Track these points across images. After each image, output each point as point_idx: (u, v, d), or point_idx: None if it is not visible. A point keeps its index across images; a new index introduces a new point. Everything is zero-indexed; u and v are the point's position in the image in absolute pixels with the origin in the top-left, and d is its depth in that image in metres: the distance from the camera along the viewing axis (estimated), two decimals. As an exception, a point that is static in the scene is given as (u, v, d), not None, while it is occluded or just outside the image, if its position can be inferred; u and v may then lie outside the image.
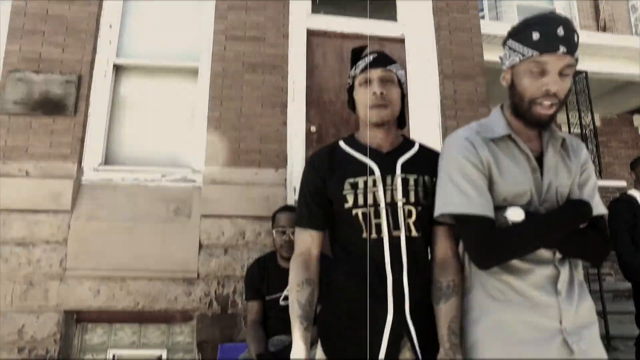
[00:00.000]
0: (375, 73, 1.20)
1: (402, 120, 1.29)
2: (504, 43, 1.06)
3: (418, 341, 1.06)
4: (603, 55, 5.27)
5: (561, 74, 0.96)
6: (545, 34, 0.95)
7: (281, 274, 2.19)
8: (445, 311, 1.05)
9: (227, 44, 3.07)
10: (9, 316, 2.58)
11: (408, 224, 1.12)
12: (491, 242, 0.97)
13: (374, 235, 1.12)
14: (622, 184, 5.76)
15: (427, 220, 1.14)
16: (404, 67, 3.54)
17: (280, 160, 3.01)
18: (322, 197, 1.19)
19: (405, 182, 1.15)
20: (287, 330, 2.01)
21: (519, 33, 1.00)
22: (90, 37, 2.97)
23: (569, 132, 5.75)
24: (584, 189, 1.05)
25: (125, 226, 2.75)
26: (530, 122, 1.01)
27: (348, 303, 1.12)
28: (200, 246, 2.80)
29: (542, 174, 1.03)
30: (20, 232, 2.67)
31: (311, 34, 3.48)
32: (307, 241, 1.19)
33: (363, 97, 1.22)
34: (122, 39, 3.11)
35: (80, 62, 2.92)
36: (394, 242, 1.11)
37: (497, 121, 1.09)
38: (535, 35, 0.96)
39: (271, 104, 3.06)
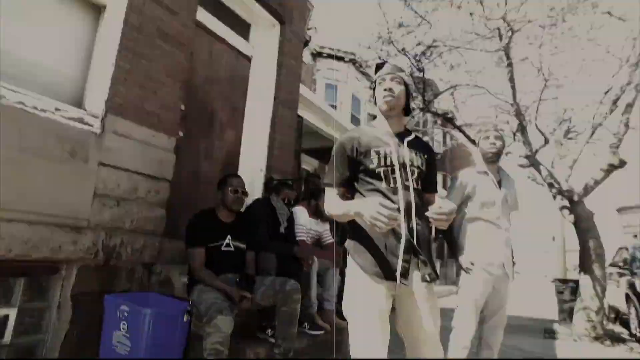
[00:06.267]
0: (387, 76, 1.79)
1: (407, 110, 1.84)
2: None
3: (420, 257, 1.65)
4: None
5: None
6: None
7: (222, 225, 2.78)
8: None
9: (147, 0, 3.06)
10: None
11: (413, 179, 1.71)
12: None
13: (391, 184, 1.67)
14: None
15: (422, 181, 1.75)
16: (246, 83, 4.50)
17: (173, 130, 3.27)
18: (352, 163, 1.72)
19: (410, 152, 1.74)
20: (231, 270, 2.69)
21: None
22: None
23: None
24: None
25: (8, 156, 2.27)
26: None
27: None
28: (95, 194, 2.68)
29: None
30: None
31: (197, 24, 3.83)
32: (337, 191, 1.74)
33: (379, 91, 1.79)
34: None
35: None
36: (405, 190, 1.67)
37: None
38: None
39: (174, 77, 3.28)
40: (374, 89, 1.88)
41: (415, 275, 1.66)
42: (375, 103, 1.87)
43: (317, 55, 11.42)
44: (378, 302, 1.61)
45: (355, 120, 12.48)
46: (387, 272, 1.61)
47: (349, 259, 1.73)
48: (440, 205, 1.56)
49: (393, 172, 1.70)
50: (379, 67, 1.90)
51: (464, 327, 2.54)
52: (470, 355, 2.56)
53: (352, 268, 1.69)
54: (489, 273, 2.55)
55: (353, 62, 12.89)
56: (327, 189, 1.77)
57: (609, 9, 5.58)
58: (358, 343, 1.60)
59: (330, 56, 12.83)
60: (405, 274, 1.61)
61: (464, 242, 2.66)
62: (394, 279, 1.60)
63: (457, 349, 2.51)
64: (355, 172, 1.75)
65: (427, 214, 1.58)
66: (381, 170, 1.69)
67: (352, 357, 1.61)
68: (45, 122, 2.48)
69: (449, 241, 2.70)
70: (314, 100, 8.08)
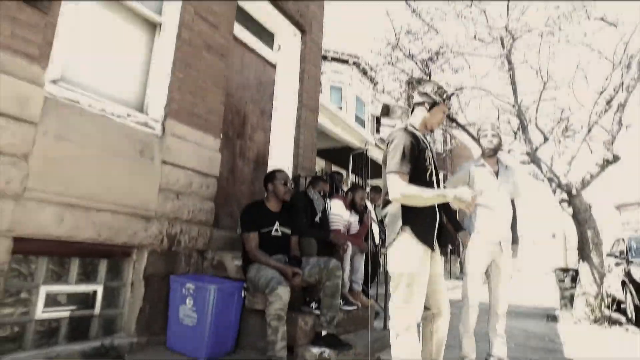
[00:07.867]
0: (447, 110, 2.42)
1: None
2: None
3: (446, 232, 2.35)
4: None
5: None
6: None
7: (271, 214, 3.18)
8: None
9: (195, 17, 3.47)
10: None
11: (438, 174, 2.33)
12: None
13: (433, 178, 2.26)
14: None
15: None
16: (272, 88, 4.91)
17: (218, 131, 3.68)
18: (414, 158, 2.17)
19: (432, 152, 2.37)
20: (280, 252, 3.08)
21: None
22: (74, -61, 2.64)
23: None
24: None
25: (97, 155, 2.68)
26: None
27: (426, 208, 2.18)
28: (160, 189, 3.07)
29: None
30: (-29, 132, 2.10)
31: (234, 39, 4.24)
32: (406, 179, 2.12)
33: (440, 117, 2.37)
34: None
35: (61, -39, 2.56)
36: (437, 182, 2.30)
37: None
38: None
39: (216, 84, 3.69)
40: (433, 104, 2.33)
41: (436, 245, 2.26)
42: (429, 109, 2.34)
43: (322, 58, 11.85)
44: (429, 263, 2.18)
45: (359, 121, 12.88)
46: (430, 243, 2.18)
47: (407, 231, 2.13)
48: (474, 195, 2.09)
49: (432, 168, 2.27)
50: (449, 96, 2.45)
51: (470, 291, 3.08)
52: (482, 319, 3.11)
53: (409, 239, 2.13)
54: (485, 248, 3.09)
55: (357, 65, 13.31)
56: (396, 176, 2.11)
57: (602, 15, 6.03)
58: (414, 289, 2.11)
59: (335, 59, 13.24)
60: (435, 244, 2.23)
61: (465, 222, 3.23)
62: (432, 247, 2.19)
63: (467, 309, 3.08)
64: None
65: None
66: (428, 166, 2.24)
67: (400, 300, 2.13)
68: (120, 126, 2.88)
69: (453, 221, 3.15)
70: (323, 102, 8.49)
